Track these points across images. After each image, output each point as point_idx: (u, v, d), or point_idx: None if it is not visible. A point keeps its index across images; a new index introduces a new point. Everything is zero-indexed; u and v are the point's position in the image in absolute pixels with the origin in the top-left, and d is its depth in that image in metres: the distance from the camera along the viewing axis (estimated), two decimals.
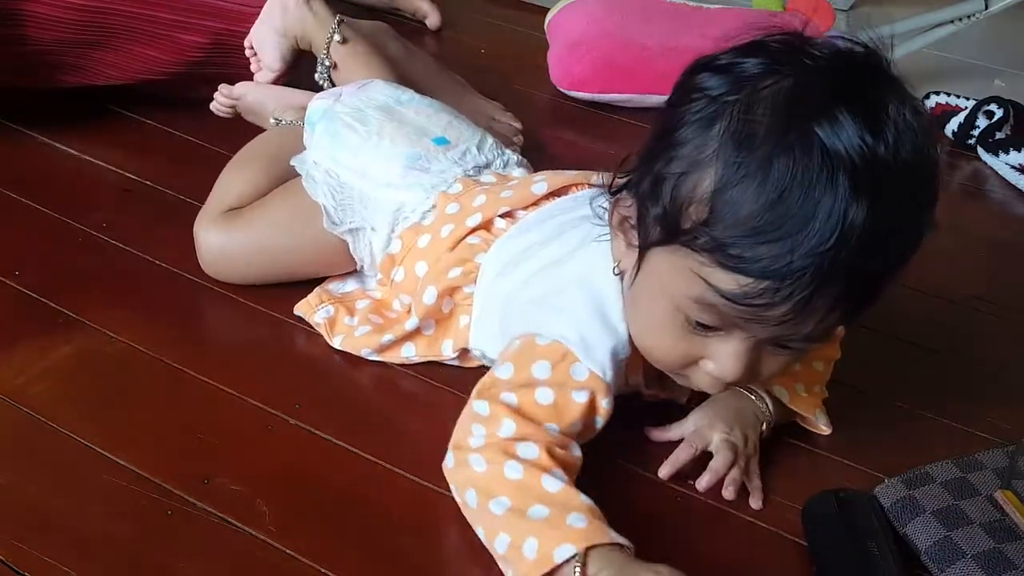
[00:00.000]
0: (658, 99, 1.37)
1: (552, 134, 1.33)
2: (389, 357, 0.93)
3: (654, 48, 1.36)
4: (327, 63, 1.17)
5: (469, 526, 0.76)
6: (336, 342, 0.94)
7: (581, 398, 0.78)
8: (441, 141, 0.99)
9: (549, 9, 1.47)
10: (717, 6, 1.48)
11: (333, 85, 1.16)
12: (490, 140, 1.02)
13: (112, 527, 0.77)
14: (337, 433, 0.86)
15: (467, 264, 0.90)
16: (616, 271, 0.79)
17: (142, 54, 1.17)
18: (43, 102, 1.23)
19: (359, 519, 0.80)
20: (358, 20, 1.25)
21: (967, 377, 1.01)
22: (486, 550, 0.75)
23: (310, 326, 0.97)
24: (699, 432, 0.86)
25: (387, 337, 0.92)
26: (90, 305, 0.97)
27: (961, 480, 0.82)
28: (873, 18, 1.72)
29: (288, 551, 0.76)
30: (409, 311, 0.94)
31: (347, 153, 0.98)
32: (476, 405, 0.78)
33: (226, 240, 0.99)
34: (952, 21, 1.58)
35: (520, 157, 1.03)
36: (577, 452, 0.78)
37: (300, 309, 0.97)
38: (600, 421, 0.80)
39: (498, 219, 0.91)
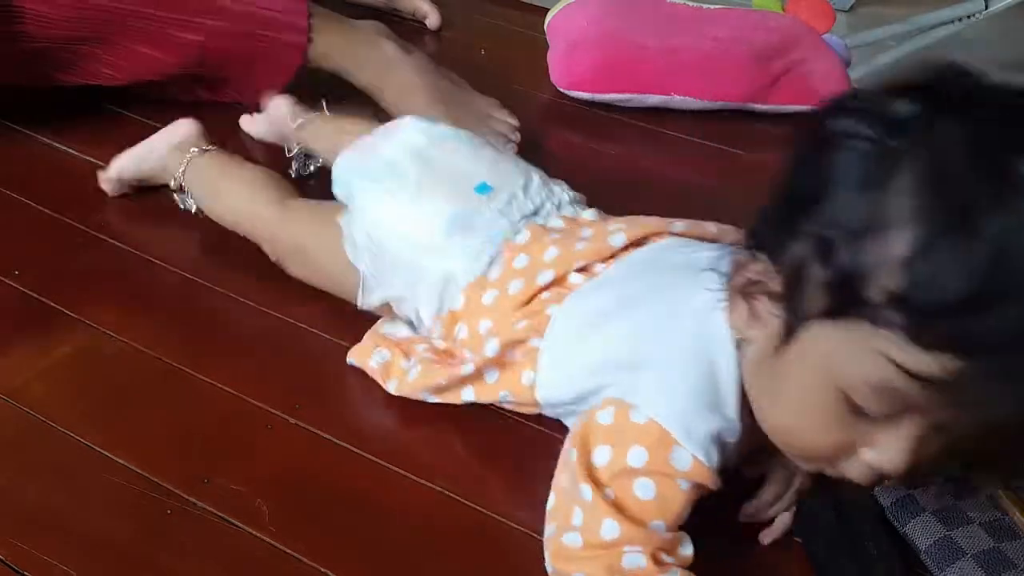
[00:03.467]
0: (658, 99, 1.37)
1: (552, 134, 1.33)
2: (448, 399, 0.86)
3: (654, 48, 1.36)
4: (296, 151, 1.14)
5: (472, 527, 0.76)
6: (391, 387, 0.87)
7: (685, 486, 0.70)
8: (483, 189, 0.89)
9: (549, 9, 1.47)
10: (717, 6, 1.47)
11: (311, 168, 1.14)
12: (536, 179, 0.92)
13: (112, 527, 0.77)
14: (337, 433, 0.86)
15: (537, 317, 0.81)
16: (737, 341, 0.70)
17: (142, 53, 1.16)
18: (43, 102, 1.22)
19: (359, 519, 0.80)
20: (353, 21, 1.25)
21: None
22: (486, 550, 0.75)
23: (310, 326, 0.96)
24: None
25: (441, 380, 0.85)
26: (90, 305, 0.97)
27: (961, 478, 0.82)
28: (874, 18, 1.72)
29: (288, 551, 0.76)
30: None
31: (389, 216, 0.91)
32: (581, 488, 0.70)
33: (289, 238, 0.97)
34: (953, 20, 1.58)
35: (574, 194, 0.93)
36: (688, 551, 0.70)
37: (353, 356, 0.91)
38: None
39: (573, 274, 0.82)
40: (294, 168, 1.14)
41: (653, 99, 1.37)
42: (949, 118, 0.58)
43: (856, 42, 1.58)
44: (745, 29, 1.40)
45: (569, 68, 1.40)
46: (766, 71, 1.36)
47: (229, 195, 1.02)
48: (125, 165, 1.10)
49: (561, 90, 1.41)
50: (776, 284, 0.65)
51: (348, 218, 0.93)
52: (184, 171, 1.05)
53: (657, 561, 0.68)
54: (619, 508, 0.69)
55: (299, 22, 1.19)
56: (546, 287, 0.82)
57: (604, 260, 0.83)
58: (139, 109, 1.25)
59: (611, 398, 0.72)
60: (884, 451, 0.64)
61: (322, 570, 0.75)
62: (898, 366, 0.58)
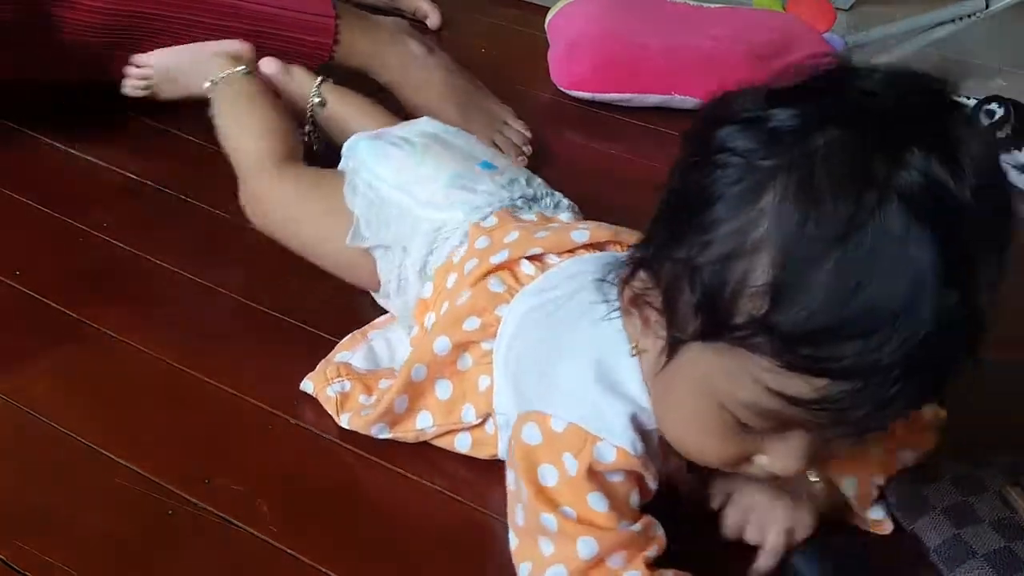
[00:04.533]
0: (659, 99, 1.37)
1: (552, 134, 1.33)
2: (403, 432, 0.83)
3: (655, 47, 1.36)
4: (311, 128, 1.14)
5: (472, 526, 0.76)
6: (343, 420, 0.85)
7: (618, 477, 0.69)
8: (488, 166, 0.92)
9: (549, 9, 1.47)
10: (718, 5, 1.48)
11: (322, 143, 1.13)
12: (538, 179, 0.93)
13: (112, 527, 0.77)
14: (338, 433, 0.86)
15: (486, 315, 0.79)
16: (633, 352, 0.68)
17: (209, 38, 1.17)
18: (44, 102, 1.23)
19: (359, 519, 0.80)
20: (378, 18, 1.25)
21: (965, 376, 1.00)
22: (487, 549, 0.75)
23: (312, 326, 0.96)
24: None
25: (398, 401, 0.82)
26: (90, 305, 0.97)
27: (969, 477, 0.81)
28: (874, 17, 1.72)
29: (289, 551, 0.76)
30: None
31: (390, 170, 0.92)
32: (543, 518, 0.68)
33: (280, 193, 0.97)
34: (953, 20, 1.58)
35: (570, 202, 0.93)
36: (660, 531, 0.71)
37: (311, 381, 0.88)
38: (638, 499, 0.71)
39: (526, 263, 0.81)
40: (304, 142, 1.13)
41: (653, 99, 1.37)
42: (823, 132, 0.55)
43: (856, 41, 1.58)
44: (746, 28, 1.40)
45: (569, 67, 1.40)
46: (767, 70, 1.36)
47: (241, 126, 1.03)
48: (165, 56, 1.11)
49: (561, 89, 1.41)
50: (657, 301, 0.64)
51: (350, 165, 0.95)
52: (220, 79, 1.06)
53: (649, 566, 0.69)
54: (586, 522, 0.68)
55: (326, 23, 1.19)
56: (497, 267, 0.81)
57: (560, 253, 0.81)
58: (140, 109, 1.25)
59: (530, 412, 0.71)
60: (777, 459, 0.64)
61: (322, 570, 0.75)
62: (771, 390, 0.57)
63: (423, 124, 1.00)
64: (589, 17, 1.40)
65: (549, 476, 0.69)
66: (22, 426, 0.85)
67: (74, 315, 0.96)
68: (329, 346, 0.93)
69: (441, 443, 0.84)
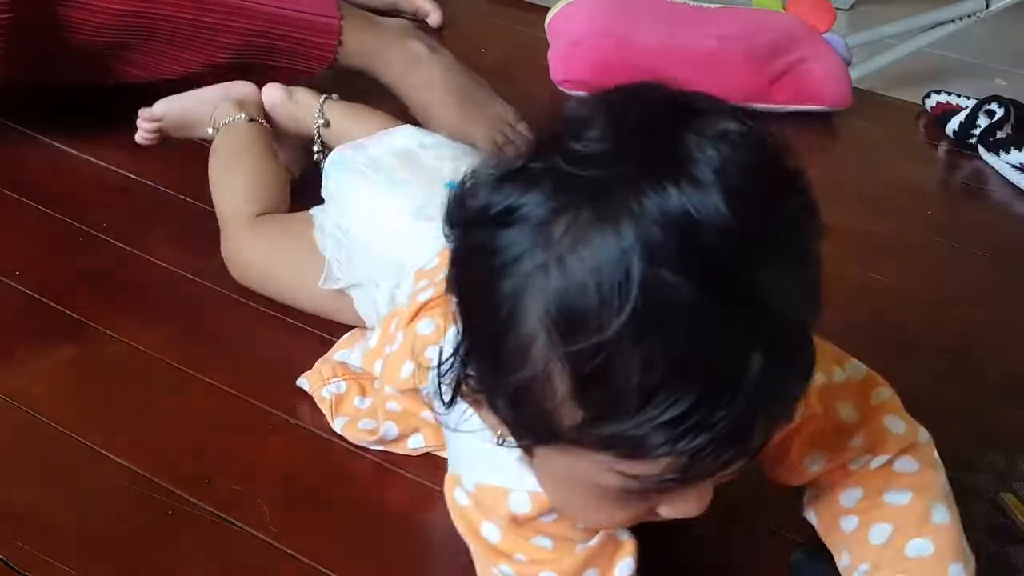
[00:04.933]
0: None
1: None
2: (396, 448, 0.84)
3: (654, 48, 1.36)
4: (320, 148, 1.12)
5: None
6: (337, 424, 0.85)
7: (552, 517, 0.65)
8: (454, 185, 0.91)
9: (550, 8, 1.47)
10: (717, 6, 1.48)
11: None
12: None
13: (113, 527, 0.77)
14: (338, 433, 0.86)
15: (420, 359, 0.75)
16: (500, 440, 0.60)
17: (174, 55, 1.17)
18: (44, 102, 1.23)
19: (359, 519, 0.80)
20: (382, 19, 1.25)
21: (966, 377, 1.00)
22: None
23: (312, 327, 0.96)
24: None
25: (386, 427, 0.83)
26: (90, 305, 0.97)
27: (961, 483, 0.81)
28: (874, 17, 1.72)
29: (289, 551, 0.76)
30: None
31: (358, 205, 0.93)
32: (501, 568, 0.67)
33: (255, 251, 0.98)
34: (953, 20, 1.58)
35: None
36: (625, 535, 0.67)
37: (306, 379, 0.88)
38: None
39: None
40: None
41: None
42: (557, 220, 0.50)
43: (857, 41, 1.58)
44: (746, 28, 1.40)
45: (570, 67, 1.40)
46: (767, 70, 1.36)
47: (227, 181, 1.03)
48: (173, 105, 1.11)
49: (561, 89, 1.41)
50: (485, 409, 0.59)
51: (320, 208, 0.96)
52: (222, 125, 1.06)
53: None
54: (539, 561, 0.66)
55: (331, 24, 1.19)
56: (424, 305, 0.79)
57: None
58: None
59: (450, 475, 0.70)
60: (677, 509, 0.60)
61: (322, 570, 0.75)
62: (624, 475, 0.54)
63: (401, 137, 1.00)
64: (589, 17, 1.40)
65: (491, 533, 0.67)
66: (22, 426, 0.85)
67: (74, 315, 0.96)
68: (329, 345, 0.93)
69: (438, 452, 0.84)
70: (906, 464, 0.69)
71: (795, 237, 0.51)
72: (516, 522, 0.65)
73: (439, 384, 0.59)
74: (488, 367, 0.55)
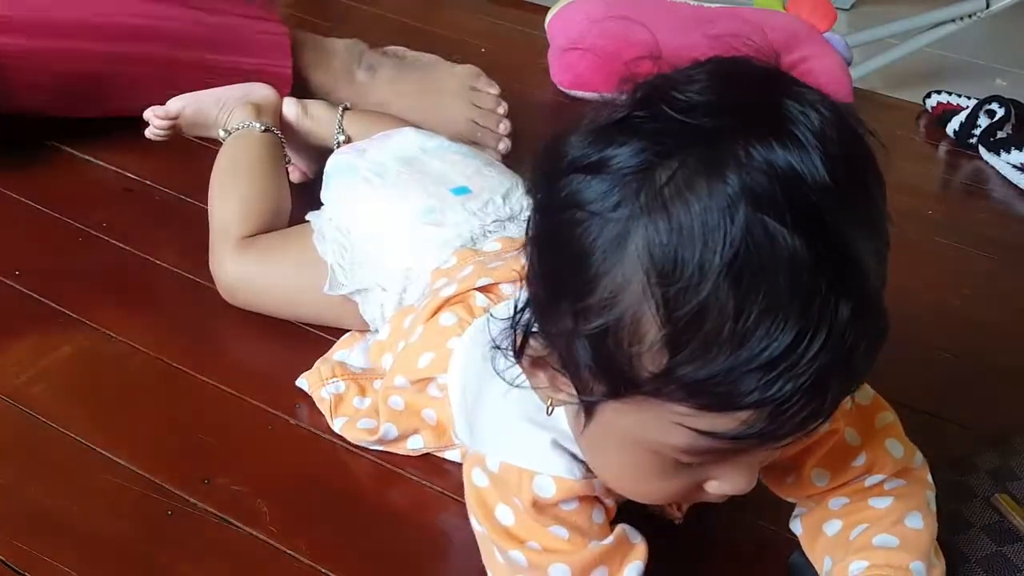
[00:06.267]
0: None
1: (552, 133, 1.33)
2: (396, 448, 0.84)
3: (654, 47, 1.36)
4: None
5: (469, 526, 0.76)
6: (337, 425, 0.85)
7: (572, 506, 0.66)
8: (461, 191, 0.91)
9: (549, 8, 1.47)
10: (718, 5, 1.48)
11: None
12: (521, 188, 0.92)
13: (112, 527, 0.77)
14: (337, 434, 0.86)
15: (438, 350, 0.78)
16: (549, 409, 0.64)
17: (125, 105, 1.16)
18: None
19: (359, 519, 0.80)
20: (332, 49, 1.24)
21: (965, 377, 1.00)
22: None
23: (311, 327, 0.96)
24: None
25: (386, 428, 0.83)
26: (90, 305, 0.97)
27: (958, 483, 0.81)
28: (874, 17, 1.72)
29: (289, 551, 0.76)
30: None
31: (362, 212, 0.92)
32: (511, 555, 0.67)
33: (241, 270, 0.96)
34: (953, 20, 1.58)
35: None
36: (637, 538, 0.68)
37: (305, 380, 0.88)
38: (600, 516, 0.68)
39: (479, 295, 0.79)
40: None
41: None
42: (661, 165, 0.51)
43: (857, 41, 1.58)
44: (746, 28, 1.40)
45: (569, 67, 1.40)
46: None
47: (232, 186, 1.02)
48: (190, 103, 1.10)
49: (561, 89, 1.41)
50: (557, 364, 0.59)
51: (317, 214, 0.95)
52: (235, 130, 1.05)
53: None
54: (552, 551, 0.66)
55: (283, 72, 1.19)
56: (447, 301, 0.80)
57: (515, 281, 0.75)
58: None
59: (471, 454, 0.70)
60: (727, 482, 0.61)
61: (322, 570, 0.75)
62: (698, 431, 0.54)
63: (403, 140, 0.99)
64: (588, 17, 1.40)
65: (506, 517, 0.67)
66: (22, 426, 0.85)
67: (74, 315, 0.96)
68: (329, 346, 0.93)
69: (395, 448, 0.85)
70: (897, 483, 0.72)
71: (875, 210, 0.54)
72: (537, 507, 0.66)
73: (514, 333, 0.60)
74: (572, 314, 0.54)
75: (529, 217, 0.58)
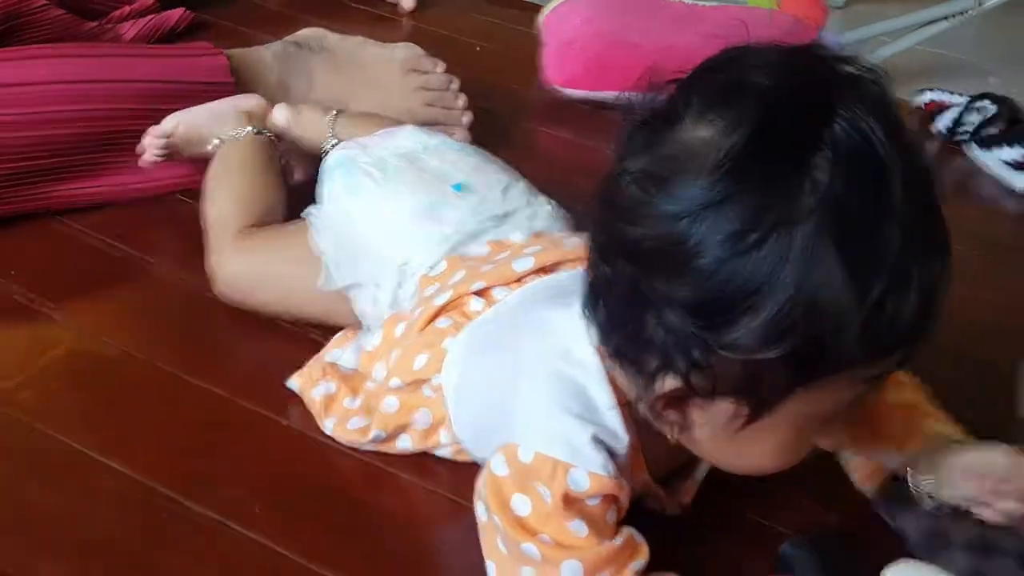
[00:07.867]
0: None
1: (546, 132, 1.33)
2: (386, 448, 0.85)
3: (647, 46, 1.36)
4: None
5: (468, 526, 0.76)
6: (327, 426, 0.86)
7: (596, 502, 0.69)
8: (459, 187, 0.92)
9: (542, 7, 1.47)
10: (711, 4, 1.48)
11: None
12: (521, 185, 0.94)
13: (110, 530, 0.78)
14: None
15: (433, 349, 0.80)
16: (673, 439, 0.68)
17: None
18: None
19: (358, 520, 0.80)
20: (264, 57, 1.21)
21: (958, 375, 1.01)
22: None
23: (306, 330, 0.96)
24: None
25: (376, 433, 0.83)
26: (85, 307, 0.97)
27: None
28: (867, 15, 1.72)
29: (283, 552, 0.76)
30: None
31: (362, 207, 0.93)
32: (524, 547, 0.68)
33: (240, 262, 0.97)
34: (945, 17, 1.58)
35: (553, 207, 0.93)
36: (640, 538, 0.71)
37: (296, 380, 0.89)
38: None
39: (473, 299, 0.81)
40: None
41: None
42: (820, 157, 0.58)
43: (850, 38, 1.58)
44: (739, 26, 1.40)
45: (562, 65, 1.40)
46: None
47: (226, 187, 1.02)
48: (184, 119, 1.09)
49: (554, 87, 1.41)
50: (706, 395, 0.63)
51: (314, 208, 0.96)
52: (229, 137, 1.06)
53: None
54: (567, 547, 0.68)
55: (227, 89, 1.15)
56: (442, 308, 0.81)
57: (508, 284, 0.81)
58: None
59: (501, 445, 0.71)
60: (826, 437, 0.69)
61: (317, 571, 0.75)
62: (867, 379, 0.63)
63: (403, 138, 0.99)
64: (582, 16, 1.40)
65: (522, 506, 0.68)
66: (16, 428, 0.85)
67: (69, 317, 0.96)
68: (320, 347, 0.93)
69: (385, 448, 0.85)
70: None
71: (934, 187, 0.62)
72: (566, 499, 0.67)
73: (659, 384, 0.64)
74: (752, 332, 0.58)
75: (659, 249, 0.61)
